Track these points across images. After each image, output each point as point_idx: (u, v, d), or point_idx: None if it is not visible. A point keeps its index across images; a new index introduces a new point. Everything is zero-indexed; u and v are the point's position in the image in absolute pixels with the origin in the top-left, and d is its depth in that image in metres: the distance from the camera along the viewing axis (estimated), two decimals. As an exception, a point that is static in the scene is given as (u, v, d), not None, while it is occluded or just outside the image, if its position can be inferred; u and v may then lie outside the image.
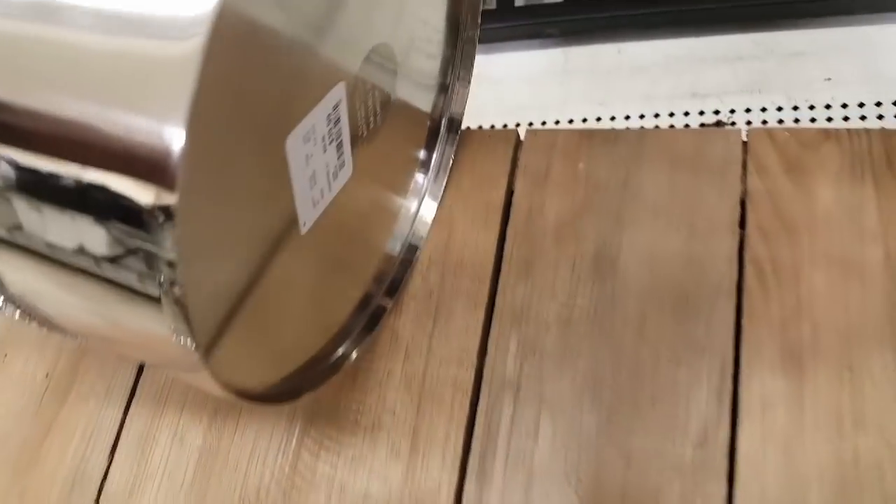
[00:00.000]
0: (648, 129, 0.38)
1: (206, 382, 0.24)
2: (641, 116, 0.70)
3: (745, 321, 0.34)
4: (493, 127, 0.64)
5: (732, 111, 0.70)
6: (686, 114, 0.70)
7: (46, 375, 0.43)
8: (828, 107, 0.71)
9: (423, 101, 0.39)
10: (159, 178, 0.18)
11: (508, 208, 0.39)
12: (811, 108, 0.71)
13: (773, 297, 0.34)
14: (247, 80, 0.22)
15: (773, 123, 0.63)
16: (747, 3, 0.74)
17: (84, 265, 0.21)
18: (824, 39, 0.80)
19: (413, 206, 0.40)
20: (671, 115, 0.70)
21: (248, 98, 0.23)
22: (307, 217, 0.30)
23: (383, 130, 0.34)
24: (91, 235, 0.20)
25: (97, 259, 0.20)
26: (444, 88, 0.40)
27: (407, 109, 0.37)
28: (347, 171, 0.32)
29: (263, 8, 0.21)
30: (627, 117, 0.70)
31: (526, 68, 0.80)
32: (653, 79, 0.81)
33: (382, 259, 0.39)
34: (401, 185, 0.40)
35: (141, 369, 0.41)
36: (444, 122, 0.40)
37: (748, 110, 0.71)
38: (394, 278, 0.39)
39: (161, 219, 0.18)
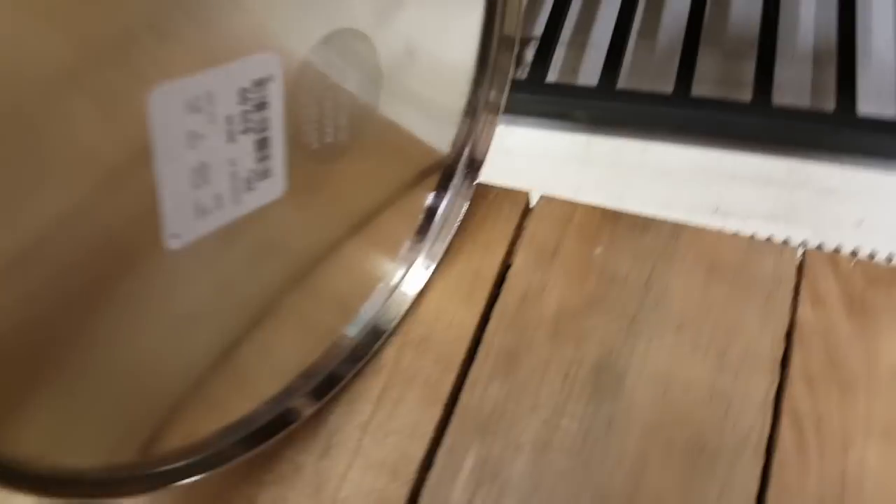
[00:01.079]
0: (687, 225, 0.31)
1: None
2: (657, 221, 0.63)
3: (771, 490, 0.26)
4: (495, 197, 0.58)
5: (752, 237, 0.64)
6: (705, 229, 0.63)
7: None
8: (853, 254, 0.65)
9: (431, 129, 0.31)
10: None
11: (500, 284, 0.31)
12: (836, 251, 0.65)
13: (813, 465, 0.26)
14: None
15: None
16: (788, 123, 0.69)
17: None
18: (861, 179, 0.74)
19: (396, 273, 0.32)
20: (689, 226, 0.64)
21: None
22: (180, 228, 0.21)
23: (358, 153, 0.26)
24: None
25: None
26: (466, 117, 0.32)
27: (401, 135, 0.29)
28: (274, 186, 0.24)
29: None
30: (641, 219, 0.63)
31: (544, 145, 0.74)
32: (675, 185, 0.76)
33: (326, 344, 0.29)
34: (384, 240, 0.31)
35: None
36: (460, 163, 0.33)
37: (769, 239, 0.65)
38: (330, 375, 0.29)
39: None
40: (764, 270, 0.30)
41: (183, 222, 0.21)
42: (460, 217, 0.32)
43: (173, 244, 0.21)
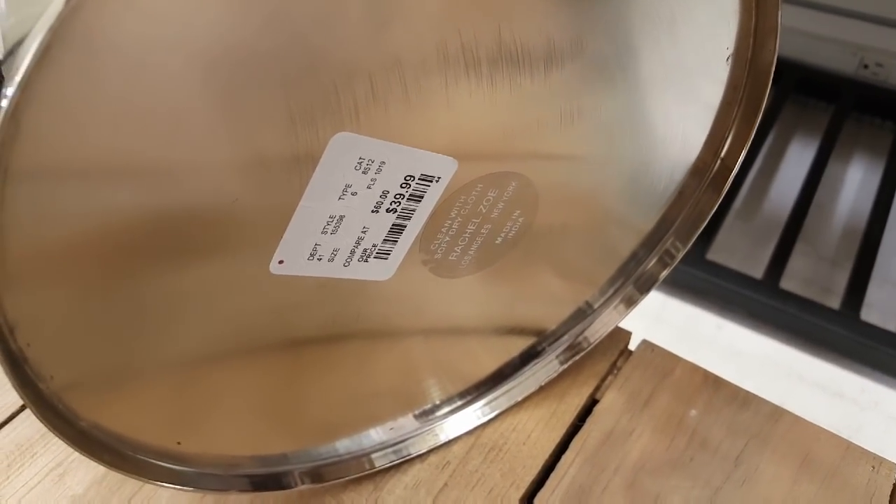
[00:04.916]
0: (788, 411, 0.31)
1: None
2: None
3: None
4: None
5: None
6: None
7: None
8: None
9: (546, 304, 0.30)
10: None
11: (584, 416, 0.31)
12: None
13: None
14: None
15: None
16: (872, 342, 0.68)
17: None
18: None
19: (477, 403, 0.31)
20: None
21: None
22: (289, 259, 0.22)
23: (468, 282, 0.26)
24: None
25: None
26: (587, 305, 0.31)
27: (514, 290, 0.28)
28: (385, 269, 0.24)
29: None
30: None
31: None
32: (742, 370, 0.74)
33: (350, 452, 0.29)
34: (456, 367, 0.30)
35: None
36: (557, 342, 0.31)
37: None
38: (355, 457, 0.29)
39: None
40: (858, 479, 0.29)
41: (295, 255, 0.22)
42: (541, 383, 0.31)
43: (274, 269, 0.22)
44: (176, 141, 0.18)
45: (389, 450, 0.29)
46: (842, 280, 0.75)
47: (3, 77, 0.19)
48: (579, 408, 0.31)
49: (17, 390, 0.19)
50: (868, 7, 0.81)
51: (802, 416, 0.31)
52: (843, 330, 0.69)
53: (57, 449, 0.30)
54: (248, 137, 0.18)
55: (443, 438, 0.30)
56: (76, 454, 0.30)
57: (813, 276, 0.76)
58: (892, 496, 0.29)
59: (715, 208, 0.29)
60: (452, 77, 0.20)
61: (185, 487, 0.25)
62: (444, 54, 0.19)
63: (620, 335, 0.33)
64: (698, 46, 0.24)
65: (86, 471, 0.29)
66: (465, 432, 0.30)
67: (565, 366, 0.31)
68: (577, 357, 0.31)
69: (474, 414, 0.31)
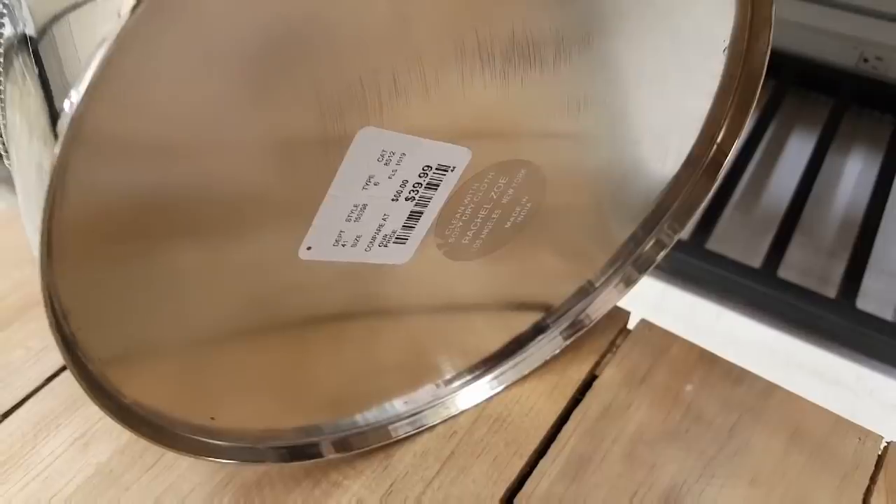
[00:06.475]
0: (780, 387, 0.32)
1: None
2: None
3: None
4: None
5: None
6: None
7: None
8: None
9: (552, 281, 0.32)
10: None
11: (584, 390, 0.32)
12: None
13: None
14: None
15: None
16: (868, 330, 0.69)
17: None
18: (931, 409, 0.73)
19: (487, 374, 0.32)
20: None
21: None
22: (316, 245, 0.23)
23: (479, 264, 0.28)
24: None
25: None
26: (590, 283, 0.32)
27: (521, 271, 0.30)
28: (402, 254, 0.25)
29: None
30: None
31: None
32: (740, 358, 0.76)
33: (367, 422, 0.30)
34: (465, 344, 0.32)
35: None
36: (560, 319, 0.33)
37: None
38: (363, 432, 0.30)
39: None
40: (845, 450, 0.30)
41: (321, 241, 0.23)
42: (546, 358, 0.33)
43: (303, 254, 0.23)
44: (220, 126, 0.19)
45: (406, 421, 0.31)
46: (839, 270, 0.76)
47: (38, 55, 0.20)
48: (580, 382, 0.33)
49: (70, 370, 0.21)
50: (868, 1, 0.82)
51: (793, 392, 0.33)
52: (840, 318, 0.70)
53: (81, 420, 0.31)
54: (283, 130, 0.20)
55: (454, 410, 0.31)
56: (99, 424, 0.31)
57: (810, 265, 0.78)
58: (877, 466, 0.30)
59: (710, 194, 0.30)
60: (468, 72, 0.21)
61: (218, 459, 0.26)
62: (462, 51, 0.21)
63: (619, 315, 0.35)
64: (696, 39, 0.25)
65: (108, 440, 0.31)
66: (475, 404, 0.32)
67: (568, 342, 0.33)
68: (579, 333, 0.32)
69: (484, 387, 0.32)
